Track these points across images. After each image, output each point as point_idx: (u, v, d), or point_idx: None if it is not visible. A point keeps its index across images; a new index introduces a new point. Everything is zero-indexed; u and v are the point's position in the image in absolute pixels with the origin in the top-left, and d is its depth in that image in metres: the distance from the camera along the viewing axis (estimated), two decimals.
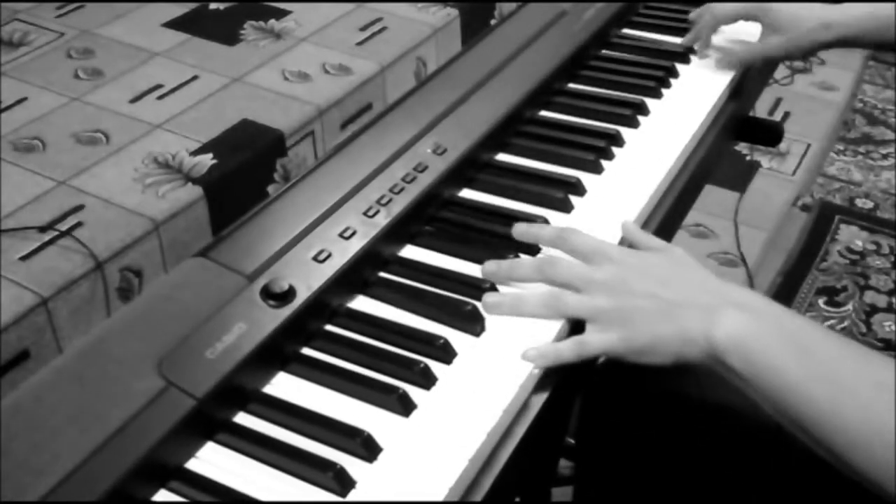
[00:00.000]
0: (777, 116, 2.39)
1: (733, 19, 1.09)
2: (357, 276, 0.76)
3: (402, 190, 0.82)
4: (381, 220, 0.79)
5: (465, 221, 0.85)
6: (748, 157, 2.23)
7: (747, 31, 1.12)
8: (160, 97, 1.58)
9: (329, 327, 0.73)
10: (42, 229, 1.27)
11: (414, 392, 0.66)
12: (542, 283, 0.74)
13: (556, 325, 0.72)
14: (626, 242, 0.80)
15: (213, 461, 0.62)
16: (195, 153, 1.44)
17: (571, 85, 1.07)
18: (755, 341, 0.64)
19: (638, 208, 0.86)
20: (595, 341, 0.70)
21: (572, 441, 1.15)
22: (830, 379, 0.62)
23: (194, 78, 1.63)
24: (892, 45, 1.03)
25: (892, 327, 1.78)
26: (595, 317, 0.70)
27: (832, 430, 0.61)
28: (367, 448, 0.62)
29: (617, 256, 0.72)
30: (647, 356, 0.69)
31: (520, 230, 0.79)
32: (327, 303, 0.73)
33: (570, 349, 0.70)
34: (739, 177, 2.16)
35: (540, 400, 0.69)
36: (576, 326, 0.73)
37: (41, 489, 0.55)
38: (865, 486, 0.60)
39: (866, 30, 1.02)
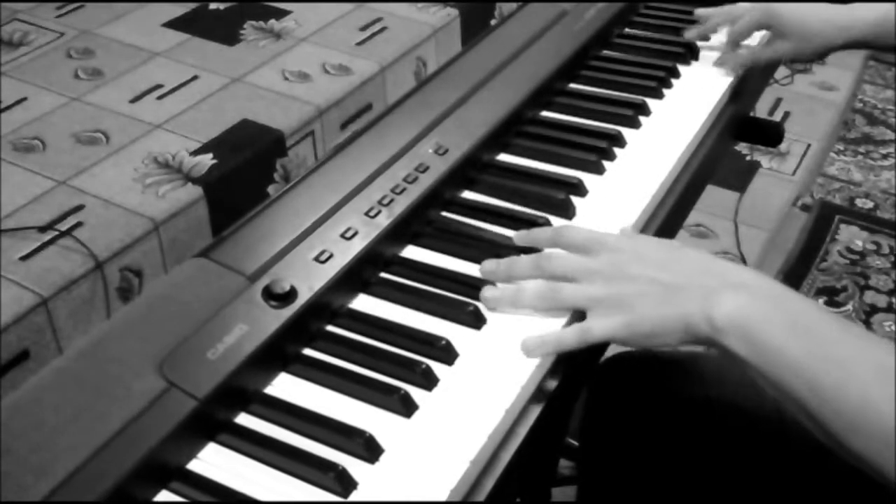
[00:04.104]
0: (777, 116, 2.39)
1: (749, 34, 1.09)
2: (358, 276, 0.76)
3: (403, 190, 0.82)
4: (382, 220, 0.78)
5: (467, 222, 0.85)
6: (748, 157, 2.23)
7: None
8: (160, 97, 1.58)
9: (330, 328, 0.73)
10: (42, 229, 1.27)
11: (416, 393, 0.66)
12: (540, 278, 0.74)
13: (560, 323, 0.72)
14: None
15: (215, 462, 0.62)
16: (195, 153, 1.44)
17: (572, 85, 1.07)
18: (755, 322, 0.63)
19: (639, 209, 0.86)
20: (598, 327, 0.69)
21: (573, 441, 1.15)
22: (831, 360, 0.61)
23: (194, 78, 1.63)
24: None
25: (892, 327, 1.78)
26: (593, 305, 0.69)
27: (833, 413, 0.60)
28: (368, 449, 0.62)
29: (612, 243, 0.72)
30: (652, 340, 0.68)
31: (519, 236, 0.79)
32: (329, 303, 0.73)
33: (573, 336, 0.69)
34: (739, 177, 2.16)
35: (541, 401, 0.69)
36: (578, 320, 0.72)
37: (42, 489, 0.55)
38: (865, 471, 0.60)
39: (877, 33, 1.01)
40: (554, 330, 0.70)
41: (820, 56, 1.06)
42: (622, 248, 0.71)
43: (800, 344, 0.62)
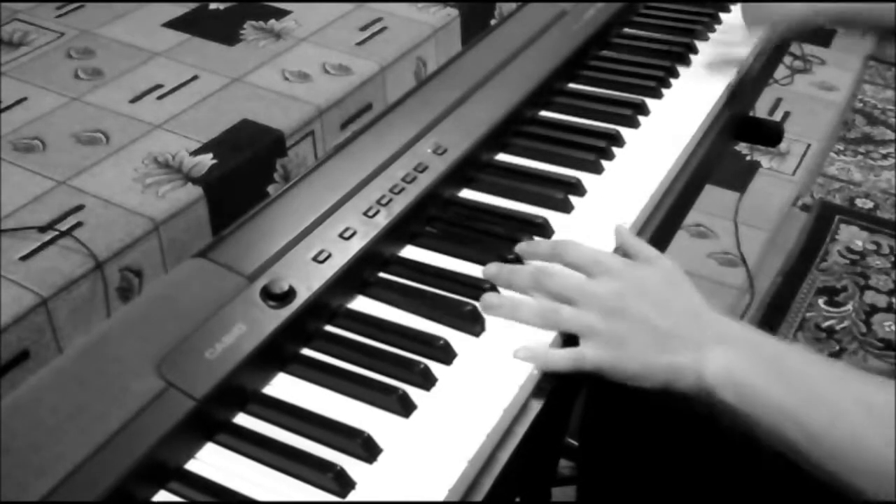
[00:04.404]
0: (777, 116, 2.39)
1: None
2: (357, 276, 0.76)
3: (402, 190, 0.82)
4: (381, 220, 0.79)
5: (466, 222, 0.85)
6: (748, 157, 2.23)
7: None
8: (160, 97, 1.58)
9: (329, 328, 0.73)
10: (42, 229, 1.27)
11: (414, 393, 0.66)
12: (538, 292, 0.74)
13: (553, 333, 0.72)
14: (619, 250, 0.79)
15: (213, 462, 0.62)
16: (195, 153, 1.44)
17: (572, 85, 1.07)
18: (744, 375, 0.66)
19: (638, 208, 0.86)
20: (589, 357, 0.70)
21: (572, 441, 1.15)
22: (818, 402, 0.63)
23: (194, 78, 1.63)
24: (884, 28, 1.03)
25: (892, 327, 1.78)
26: (588, 334, 0.70)
27: (826, 454, 0.62)
28: (366, 449, 0.62)
29: (615, 269, 0.73)
30: (633, 381, 0.70)
31: (520, 248, 0.79)
32: (327, 303, 0.73)
33: (565, 360, 0.70)
34: (739, 177, 2.16)
35: (540, 400, 0.69)
36: (569, 337, 0.72)
37: (41, 489, 0.55)
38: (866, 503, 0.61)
39: (857, 11, 1.02)
40: (543, 345, 0.71)
41: (800, 36, 1.08)
42: (623, 277, 0.72)
43: (785, 389, 0.64)
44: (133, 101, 1.57)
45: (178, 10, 1.85)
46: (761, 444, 0.78)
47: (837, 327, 1.78)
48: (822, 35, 2.73)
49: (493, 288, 0.76)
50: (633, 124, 0.99)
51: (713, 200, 2.04)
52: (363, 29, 1.80)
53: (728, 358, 0.67)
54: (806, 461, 0.63)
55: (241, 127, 1.51)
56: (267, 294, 0.69)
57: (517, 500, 1.14)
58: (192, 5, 1.87)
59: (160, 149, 1.44)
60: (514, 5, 1.28)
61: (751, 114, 1.31)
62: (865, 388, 0.63)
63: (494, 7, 1.97)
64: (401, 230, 0.80)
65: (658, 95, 1.04)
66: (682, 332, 0.69)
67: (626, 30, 1.19)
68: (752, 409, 0.65)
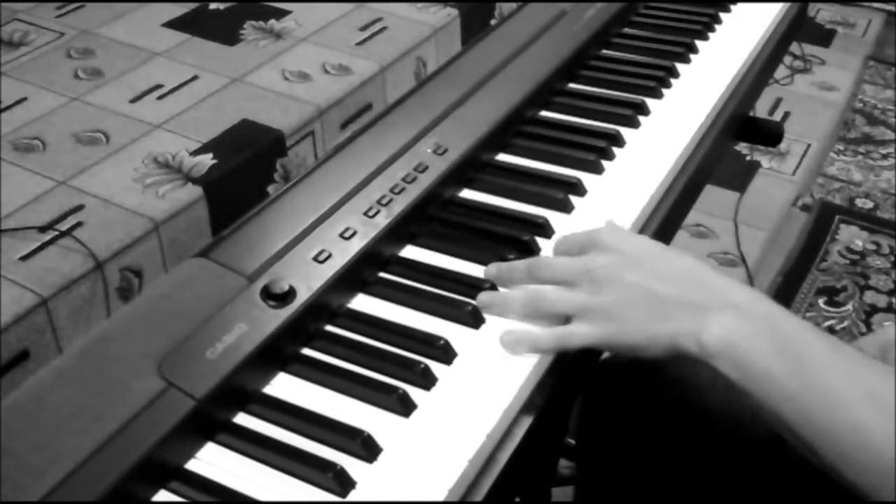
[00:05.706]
0: (777, 116, 2.39)
1: None
2: (357, 276, 0.76)
3: (402, 190, 0.82)
4: (381, 220, 0.79)
5: (466, 222, 0.85)
6: (748, 157, 2.23)
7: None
8: (160, 97, 1.58)
9: (329, 328, 0.73)
10: (42, 229, 1.27)
11: (414, 392, 0.66)
12: (536, 284, 0.73)
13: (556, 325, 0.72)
14: None
15: (214, 462, 0.62)
16: (195, 153, 1.44)
17: (572, 85, 1.07)
18: (746, 347, 0.62)
19: (638, 208, 0.86)
20: (579, 333, 0.68)
21: (572, 441, 1.15)
22: (823, 389, 0.60)
23: (194, 78, 1.64)
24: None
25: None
26: (580, 312, 0.68)
27: (825, 441, 0.60)
28: (366, 448, 0.62)
29: (604, 242, 0.70)
30: (638, 352, 0.67)
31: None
32: (327, 303, 0.73)
33: (549, 340, 0.68)
34: (739, 177, 2.16)
35: (540, 401, 0.69)
36: None
37: (41, 489, 0.55)
38: (861, 496, 0.60)
39: None
40: (530, 329, 0.70)
41: None
42: (617, 248, 0.70)
43: (790, 370, 0.61)
44: (133, 101, 1.57)
45: (178, 10, 1.85)
46: (757, 439, 0.78)
47: (837, 327, 1.78)
48: (822, 35, 2.73)
49: (494, 287, 0.76)
50: (634, 124, 0.99)
51: (713, 200, 2.04)
52: (363, 29, 1.80)
53: (732, 328, 0.63)
54: (803, 446, 0.61)
55: (241, 127, 1.51)
56: (267, 294, 0.69)
57: (517, 500, 1.14)
58: (192, 5, 1.87)
59: (160, 149, 1.44)
60: (514, 5, 1.28)
61: (751, 114, 1.31)
62: (872, 377, 0.60)
63: (494, 7, 1.97)
64: (401, 230, 0.80)
65: (658, 95, 1.04)
66: (682, 297, 0.65)
67: (626, 30, 1.19)
68: (751, 385, 0.62)
